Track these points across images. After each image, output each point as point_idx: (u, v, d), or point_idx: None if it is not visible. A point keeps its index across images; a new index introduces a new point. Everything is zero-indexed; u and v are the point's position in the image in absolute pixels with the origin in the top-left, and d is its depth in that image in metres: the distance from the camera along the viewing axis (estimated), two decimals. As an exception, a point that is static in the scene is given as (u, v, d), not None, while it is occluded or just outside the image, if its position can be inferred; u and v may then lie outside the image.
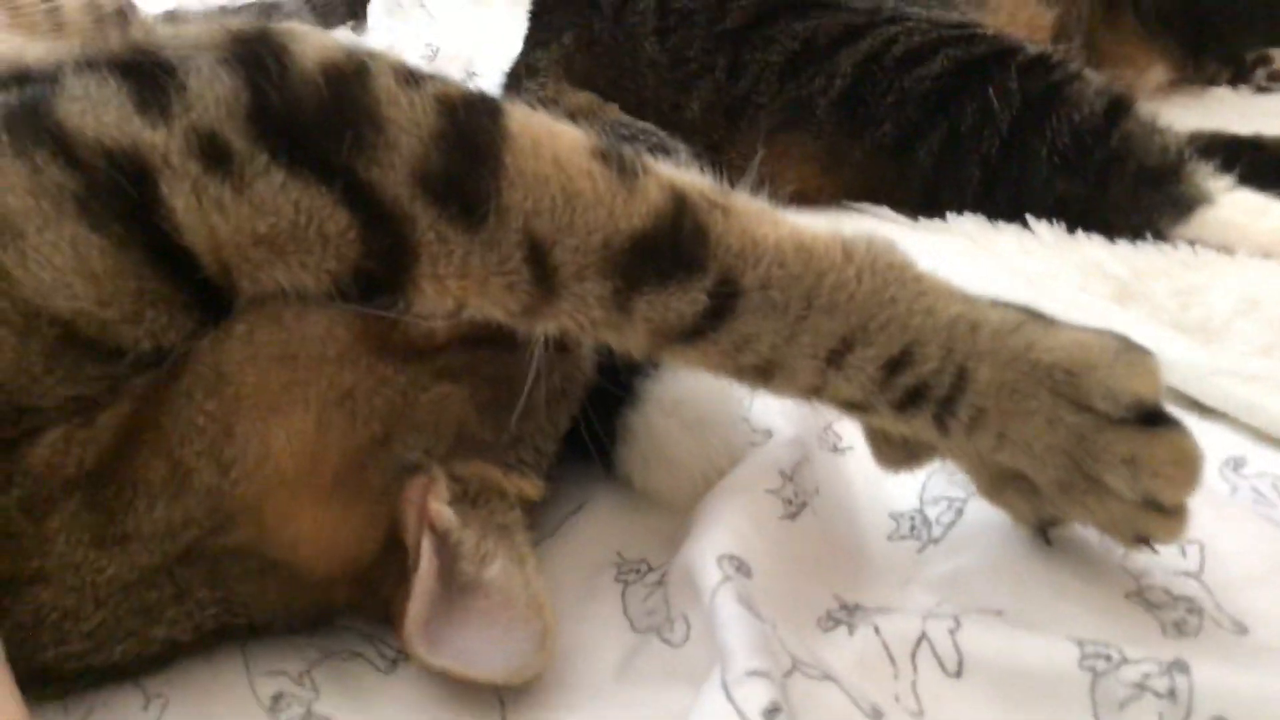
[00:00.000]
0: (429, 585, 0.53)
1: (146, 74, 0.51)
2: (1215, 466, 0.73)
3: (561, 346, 0.60)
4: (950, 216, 1.10)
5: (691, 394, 0.69)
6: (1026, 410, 0.55)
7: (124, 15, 1.32)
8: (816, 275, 0.54)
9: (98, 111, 0.49)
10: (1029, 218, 1.07)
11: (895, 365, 0.55)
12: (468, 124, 0.52)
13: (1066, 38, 1.50)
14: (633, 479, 0.69)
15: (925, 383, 0.55)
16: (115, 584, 0.50)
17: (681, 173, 0.56)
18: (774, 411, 0.73)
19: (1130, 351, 0.54)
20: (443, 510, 0.54)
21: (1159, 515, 0.55)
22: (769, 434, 0.70)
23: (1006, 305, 0.57)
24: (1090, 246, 1.01)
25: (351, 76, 0.51)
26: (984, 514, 0.66)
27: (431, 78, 0.54)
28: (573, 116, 1.20)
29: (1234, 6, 1.66)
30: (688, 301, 0.53)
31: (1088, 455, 0.54)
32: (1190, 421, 0.76)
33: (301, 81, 0.51)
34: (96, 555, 0.49)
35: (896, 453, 0.61)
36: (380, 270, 0.51)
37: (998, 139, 1.09)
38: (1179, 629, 0.58)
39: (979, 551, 0.64)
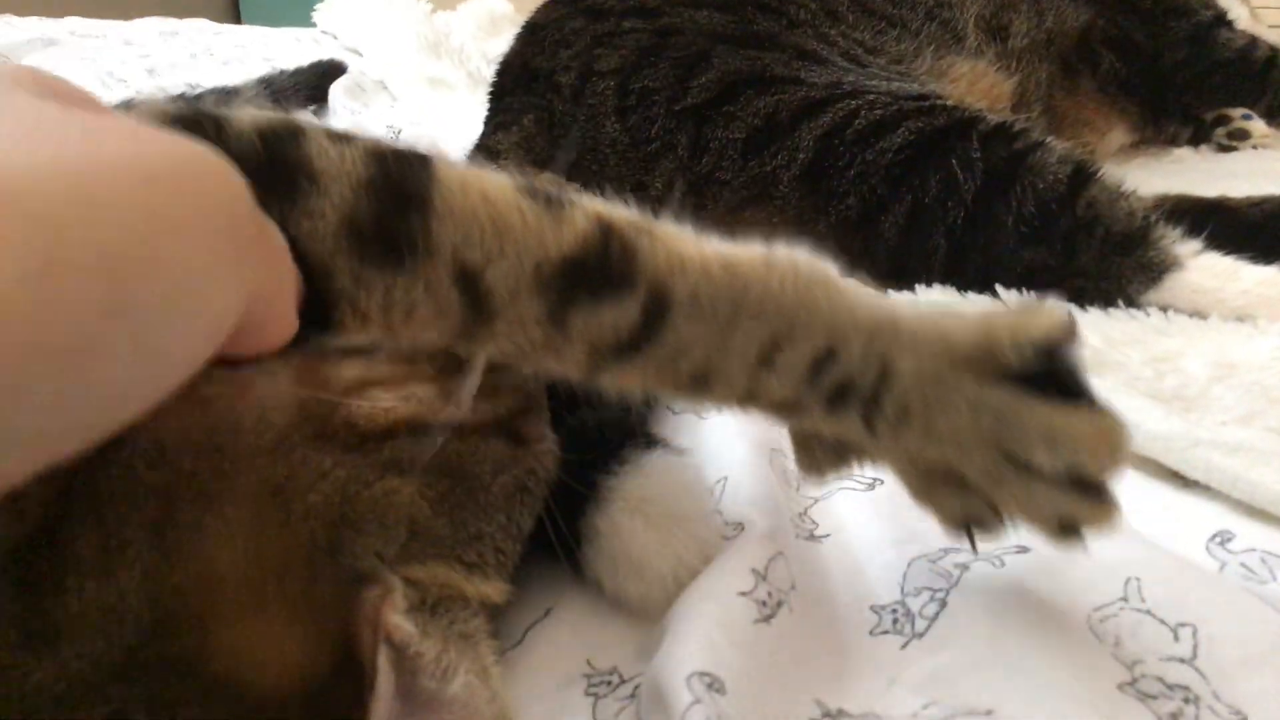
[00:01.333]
0: (387, 704, 0.49)
1: None
2: (1202, 543, 0.71)
3: (520, 439, 0.57)
4: (919, 288, 1.09)
5: (659, 491, 0.66)
6: (949, 400, 0.56)
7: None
8: (742, 284, 0.56)
9: None
10: (999, 288, 1.05)
11: (821, 363, 0.56)
12: (397, 170, 0.53)
13: (1026, 105, 1.51)
14: (602, 582, 0.66)
15: (851, 378, 0.57)
16: (43, 695, 0.45)
17: (607, 204, 0.57)
18: (745, 502, 0.70)
19: (1031, 306, 0.56)
20: (400, 623, 0.50)
21: (1085, 499, 0.55)
22: (740, 527, 0.68)
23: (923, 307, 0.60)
24: (1061, 316, 1.00)
25: (285, 136, 0.53)
26: (967, 604, 0.64)
27: (365, 136, 0.55)
28: (534, 199, 1.21)
29: (1191, 69, 1.68)
30: (623, 315, 0.54)
31: (1010, 436, 0.55)
32: (1172, 495, 0.76)
33: (238, 141, 0.51)
34: (24, 657, 0.45)
35: (826, 455, 0.63)
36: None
37: (962, 210, 1.08)
38: (1175, 720, 0.56)
39: (964, 645, 0.61)
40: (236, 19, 4.47)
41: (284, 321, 0.46)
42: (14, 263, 0.29)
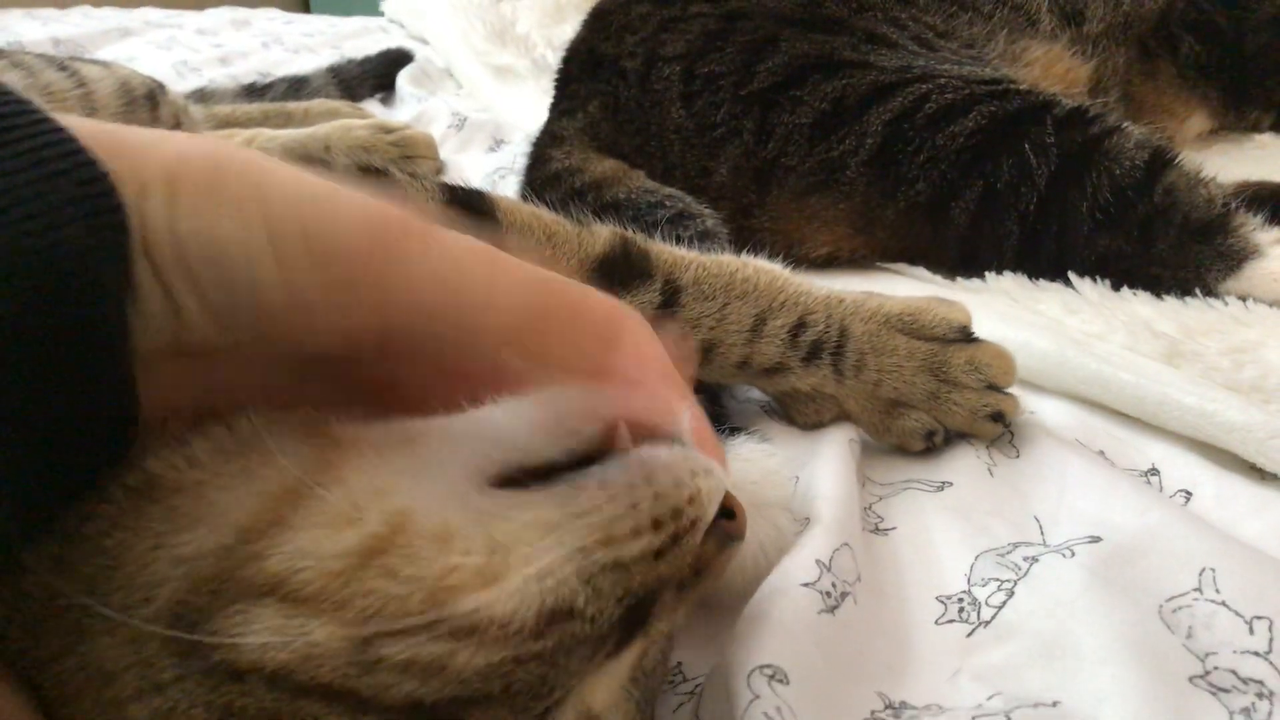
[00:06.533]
0: None
1: None
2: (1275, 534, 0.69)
3: None
4: (989, 276, 1.07)
5: (744, 477, 0.66)
6: (891, 348, 0.78)
7: (154, 97, 1.32)
8: (729, 274, 0.78)
9: None
10: (1072, 276, 1.03)
11: (797, 329, 0.78)
12: (464, 195, 0.73)
13: (1103, 90, 1.47)
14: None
15: (820, 340, 0.78)
16: None
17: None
18: (814, 495, 0.69)
19: (944, 300, 0.81)
20: None
21: (1001, 395, 0.79)
22: (807, 521, 0.67)
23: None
24: (1137, 304, 0.98)
25: (379, 170, 0.72)
26: (1035, 595, 0.63)
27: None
28: (598, 184, 1.21)
29: (1274, 53, 1.63)
30: (647, 300, 0.75)
31: (941, 367, 0.78)
32: (1250, 488, 0.74)
33: (345, 173, 0.70)
34: None
35: (807, 407, 0.81)
36: None
37: (1036, 195, 1.06)
38: (1247, 716, 0.54)
39: (1031, 636, 0.60)
40: (305, 8, 4.53)
41: None
42: None
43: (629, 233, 0.77)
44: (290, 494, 0.44)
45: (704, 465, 0.49)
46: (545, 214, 0.76)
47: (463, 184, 0.75)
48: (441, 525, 0.43)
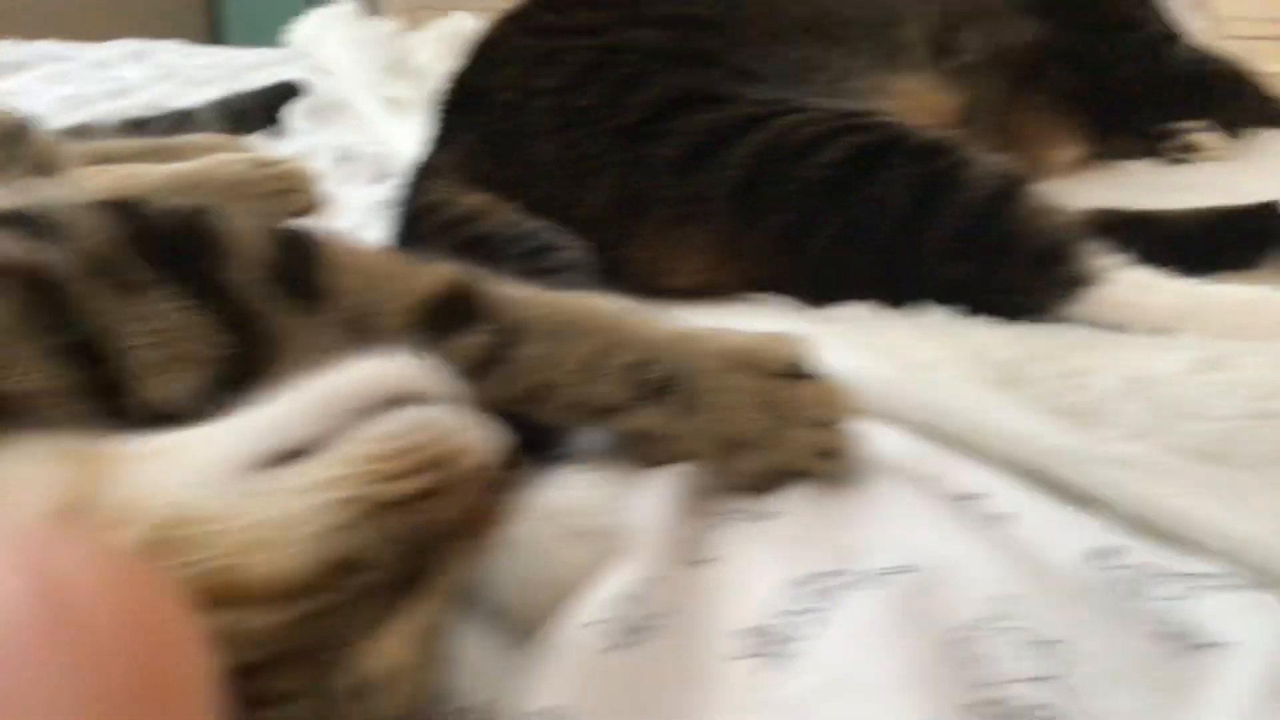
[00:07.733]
0: None
1: (27, 219, 0.62)
2: (1081, 557, 0.70)
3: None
4: (844, 306, 1.09)
5: (568, 504, 0.69)
6: (730, 386, 0.77)
7: (16, 135, 1.30)
8: (567, 313, 0.77)
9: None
10: (922, 304, 1.05)
11: (634, 368, 0.76)
12: (287, 235, 0.70)
13: (973, 121, 1.50)
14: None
15: (661, 379, 0.76)
16: None
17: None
18: (626, 529, 0.70)
19: (778, 337, 0.81)
20: None
21: (830, 432, 0.79)
22: (615, 554, 0.67)
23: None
24: (982, 331, 1.00)
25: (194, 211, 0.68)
26: (838, 628, 0.63)
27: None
28: (467, 218, 1.21)
29: (1144, 84, 1.68)
30: (475, 343, 0.72)
31: (775, 405, 0.77)
32: (1068, 512, 0.76)
33: (162, 215, 0.67)
34: None
35: (648, 447, 0.79)
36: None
37: (887, 226, 1.08)
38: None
39: (831, 668, 0.61)
40: (214, 39, 4.49)
41: None
42: None
43: (467, 274, 0.75)
44: (62, 514, 0.46)
45: (469, 422, 0.53)
46: (375, 258, 0.74)
47: (280, 228, 0.72)
48: (216, 510, 0.46)
